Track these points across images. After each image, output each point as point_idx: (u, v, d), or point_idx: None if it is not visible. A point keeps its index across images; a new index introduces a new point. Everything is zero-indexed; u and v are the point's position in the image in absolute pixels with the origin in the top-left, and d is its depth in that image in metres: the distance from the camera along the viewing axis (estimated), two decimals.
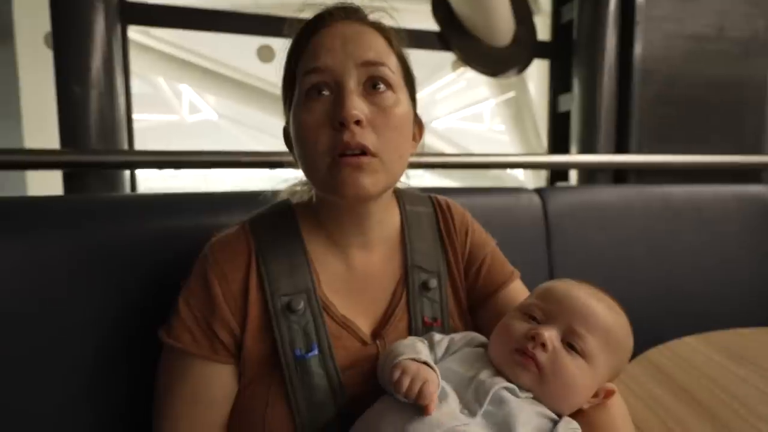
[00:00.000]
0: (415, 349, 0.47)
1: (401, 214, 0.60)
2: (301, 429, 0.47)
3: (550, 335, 0.46)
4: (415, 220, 0.60)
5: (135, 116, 1.38)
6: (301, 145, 0.49)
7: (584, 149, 1.58)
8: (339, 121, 0.46)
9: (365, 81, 0.48)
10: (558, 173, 1.74)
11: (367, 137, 0.47)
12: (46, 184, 1.42)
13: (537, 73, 2.13)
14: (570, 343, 0.47)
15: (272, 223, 0.55)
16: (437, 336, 0.52)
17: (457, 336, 0.53)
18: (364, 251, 0.56)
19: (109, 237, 0.64)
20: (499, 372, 0.47)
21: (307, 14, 0.52)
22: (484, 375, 0.45)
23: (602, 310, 0.48)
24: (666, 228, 1.13)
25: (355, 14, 0.52)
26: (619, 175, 1.60)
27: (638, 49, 1.58)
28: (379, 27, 0.52)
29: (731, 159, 1.60)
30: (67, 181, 1.16)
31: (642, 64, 1.59)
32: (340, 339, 0.52)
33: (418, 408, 0.41)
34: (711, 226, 1.14)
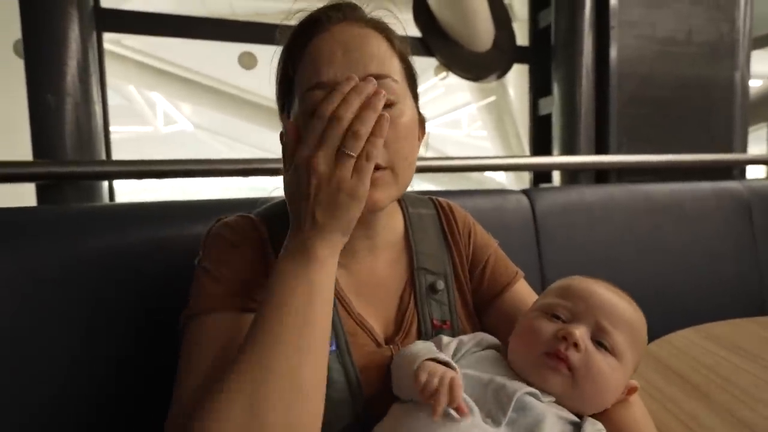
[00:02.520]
0: (431, 350, 0.46)
1: (405, 217, 0.59)
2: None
3: (581, 334, 0.44)
4: (418, 223, 0.59)
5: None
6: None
7: (565, 151, 1.61)
8: None
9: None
10: (541, 175, 1.76)
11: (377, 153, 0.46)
12: (19, 199, 1.36)
13: (516, 79, 2.18)
14: (599, 341, 0.45)
15: (282, 216, 0.52)
16: (445, 338, 0.51)
17: (465, 338, 0.51)
18: (371, 256, 0.55)
19: (89, 248, 0.62)
20: (516, 375, 0.45)
21: (299, 17, 0.51)
22: (502, 379, 0.43)
23: (625, 305, 0.47)
24: (649, 224, 1.16)
25: (353, 14, 0.49)
26: (601, 174, 1.64)
27: (614, 52, 1.63)
28: (379, 27, 0.50)
29: (704, 157, 1.65)
30: (42, 194, 1.11)
31: (618, 67, 1.64)
32: (356, 337, 0.50)
33: (438, 412, 0.39)
34: (692, 221, 1.17)
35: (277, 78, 0.52)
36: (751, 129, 1.94)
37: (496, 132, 2.82)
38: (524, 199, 1.19)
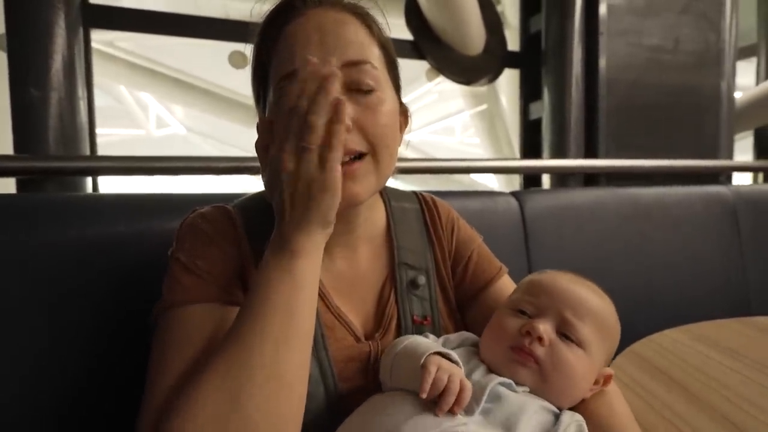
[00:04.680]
0: (438, 345, 0.46)
1: (387, 210, 0.58)
2: None
3: (545, 328, 0.45)
4: (401, 217, 0.58)
5: (98, 131, 1.32)
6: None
7: (555, 155, 1.62)
8: None
9: (349, 82, 0.45)
10: (530, 180, 1.77)
11: (357, 141, 0.44)
12: None
13: (508, 86, 2.19)
14: (565, 334, 0.45)
15: (258, 208, 0.52)
16: (431, 337, 0.51)
17: (452, 336, 0.52)
18: (351, 250, 0.54)
19: (66, 237, 0.61)
20: (493, 371, 0.45)
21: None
22: (478, 374, 0.44)
23: (591, 296, 0.48)
24: (637, 227, 1.16)
25: None
26: (590, 179, 1.65)
27: (602, 59, 1.65)
28: (357, 12, 0.48)
29: (691, 163, 1.67)
30: (22, 190, 1.08)
31: (606, 73, 1.65)
32: (334, 331, 0.49)
33: (416, 404, 0.39)
34: (679, 224, 1.18)
35: (252, 66, 0.51)
36: (736, 138, 1.97)
37: (488, 139, 2.83)
38: (513, 202, 1.20)
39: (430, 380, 0.39)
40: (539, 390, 0.44)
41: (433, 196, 0.63)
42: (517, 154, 1.90)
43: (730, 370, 0.64)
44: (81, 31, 1.21)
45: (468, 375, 0.43)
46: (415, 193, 0.63)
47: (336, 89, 0.39)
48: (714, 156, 1.77)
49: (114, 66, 2.58)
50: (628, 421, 0.45)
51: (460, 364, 0.43)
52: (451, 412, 0.38)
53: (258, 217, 0.50)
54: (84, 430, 0.58)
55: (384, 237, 0.56)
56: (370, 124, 0.45)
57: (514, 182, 1.97)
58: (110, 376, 0.60)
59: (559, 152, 1.62)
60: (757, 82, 2.34)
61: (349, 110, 0.43)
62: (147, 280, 0.54)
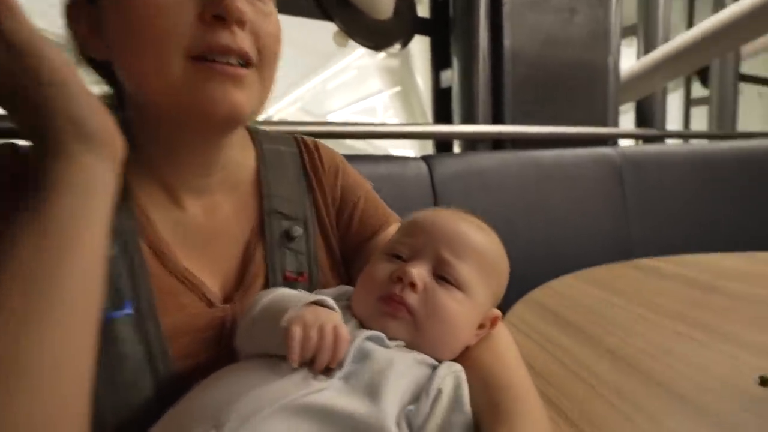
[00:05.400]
0: (305, 295, 0.39)
1: (257, 153, 0.50)
2: (100, 417, 0.32)
3: (419, 272, 0.39)
4: (274, 160, 0.51)
5: None
6: (135, 31, 0.35)
7: (465, 122, 1.64)
8: (217, 12, 0.35)
9: None
10: (443, 147, 1.79)
11: (249, 45, 0.37)
12: None
13: (424, 64, 2.18)
14: (442, 276, 0.40)
15: None
16: (302, 291, 0.43)
17: (327, 290, 0.45)
18: (206, 198, 0.45)
19: None
20: (365, 327, 0.39)
21: None
22: (347, 329, 0.37)
23: (471, 232, 0.43)
24: (538, 186, 1.23)
25: None
26: (497, 144, 1.71)
27: (507, 31, 1.69)
28: None
29: (585, 130, 1.81)
30: None
31: (512, 45, 1.70)
32: (176, 297, 0.40)
33: (267, 370, 0.32)
34: (573, 183, 1.27)
35: None
36: (621, 110, 2.18)
37: (406, 119, 2.83)
38: (423, 166, 1.20)
39: (296, 342, 0.32)
40: (416, 343, 0.39)
41: (317, 140, 0.57)
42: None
43: (620, 309, 0.69)
44: None
45: None
46: (295, 137, 0.56)
47: None
48: (603, 124, 1.93)
49: None
50: (515, 364, 0.41)
51: (337, 308, 0.37)
52: (328, 371, 0.33)
53: None
54: None
55: (252, 183, 0.49)
56: (263, 31, 0.39)
57: (427, 150, 1.99)
58: None
59: (468, 119, 1.64)
60: (638, 59, 2.59)
61: (246, 8, 0.36)
62: None
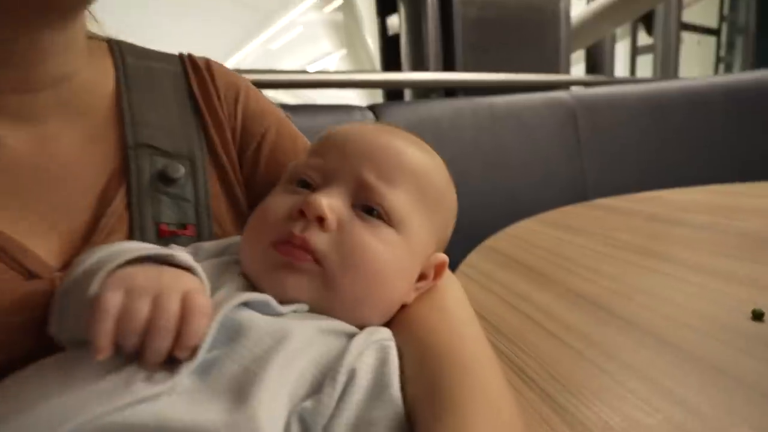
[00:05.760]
0: (142, 247, 0.26)
1: (117, 70, 0.38)
2: None
3: (330, 202, 0.27)
4: (142, 80, 0.39)
5: None
6: None
7: (415, 69, 1.55)
8: None
9: None
10: (393, 96, 1.70)
11: None
12: None
13: (371, 15, 2.03)
14: (365, 207, 0.29)
15: None
16: (175, 247, 0.31)
17: (208, 244, 0.33)
18: (33, 124, 0.33)
19: None
20: (253, 288, 0.28)
21: None
22: (221, 295, 0.26)
23: (406, 148, 0.31)
24: (492, 133, 1.19)
25: None
26: (449, 93, 1.64)
27: None
28: None
29: (537, 77, 1.77)
30: None
31: None
32: None
33: (83, 366, 0.21)
34: (528, 128, 1.23)
35: None
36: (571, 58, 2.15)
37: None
38: (370, 115, 1.11)
39: (107, 321, 0.20)
40: (326, 304, 0.27)
41: (211, 59, 0.44)
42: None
43: (582, 248, 0.65)
44: None
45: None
46: (180, 53, 0.43)
47: None
48: (556, 71, 1.89)
49: None
50: (466, 325, 0.30)
51: (195, 268, 0.25)
52: (174, 364, 0.21)
53: None
54: None
55: (112, 109, 0.37)
56: None
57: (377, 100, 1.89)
58: None
59: (418, 67, 1.55)
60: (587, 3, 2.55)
61: None
62: None
